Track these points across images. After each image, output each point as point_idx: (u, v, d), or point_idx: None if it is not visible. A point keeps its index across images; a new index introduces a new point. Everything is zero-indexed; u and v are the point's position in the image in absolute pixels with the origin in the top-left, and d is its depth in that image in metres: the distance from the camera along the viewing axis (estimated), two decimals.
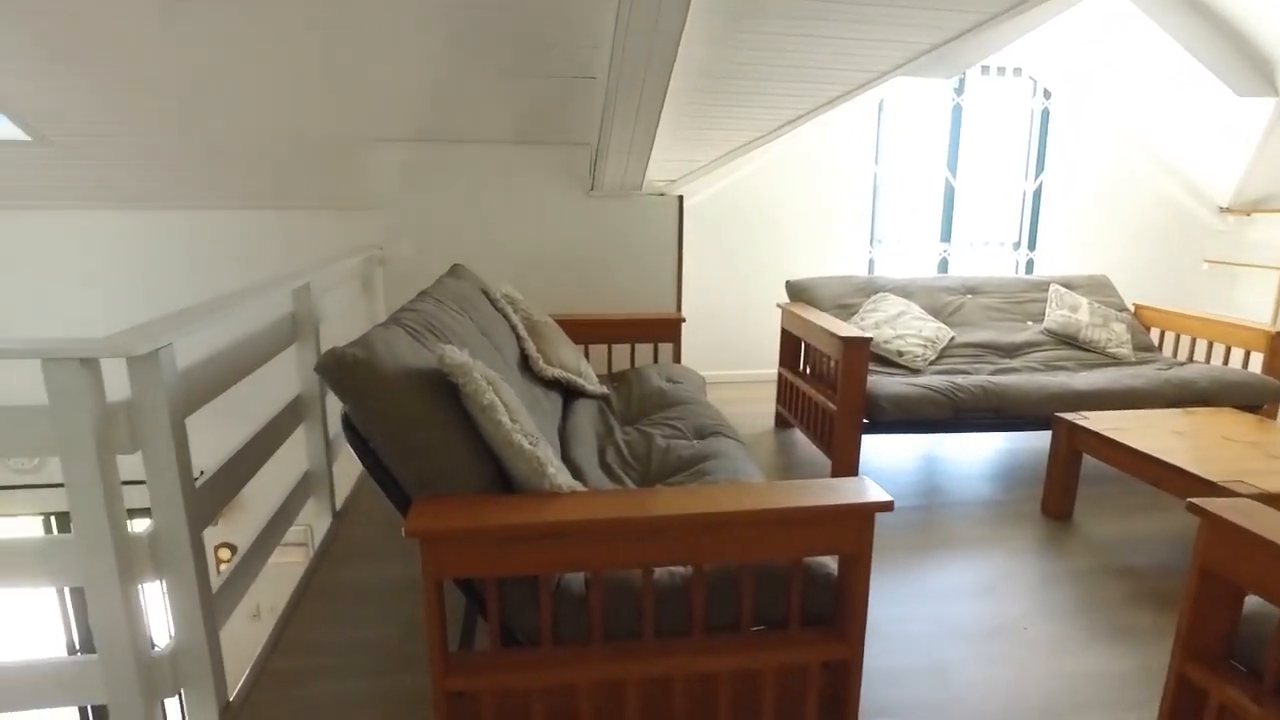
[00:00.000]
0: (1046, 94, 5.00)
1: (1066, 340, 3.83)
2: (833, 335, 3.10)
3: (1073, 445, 2.84)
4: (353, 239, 3.90)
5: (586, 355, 3.02)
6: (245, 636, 2.52)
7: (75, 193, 3.90)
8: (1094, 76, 4.79)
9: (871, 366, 3.45)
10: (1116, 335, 3.80)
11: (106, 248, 4.07)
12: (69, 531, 1.70)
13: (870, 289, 3.97)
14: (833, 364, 3.18)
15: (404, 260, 3.77)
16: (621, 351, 3.47)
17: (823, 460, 3.45)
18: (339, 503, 2.88)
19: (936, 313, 3.94)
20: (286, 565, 3.48)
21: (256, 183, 3.91)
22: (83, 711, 4.56)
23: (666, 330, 3.39)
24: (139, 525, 1.73)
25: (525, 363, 2.56)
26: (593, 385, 2.76)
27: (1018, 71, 4.94)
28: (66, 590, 4.30)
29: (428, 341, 1.81)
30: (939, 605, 2.33)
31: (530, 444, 1.51)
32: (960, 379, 3.30)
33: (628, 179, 3.71)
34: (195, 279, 4.08)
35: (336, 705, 1.88)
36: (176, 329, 1.74)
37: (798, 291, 3.89)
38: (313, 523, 2.82)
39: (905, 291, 3.99)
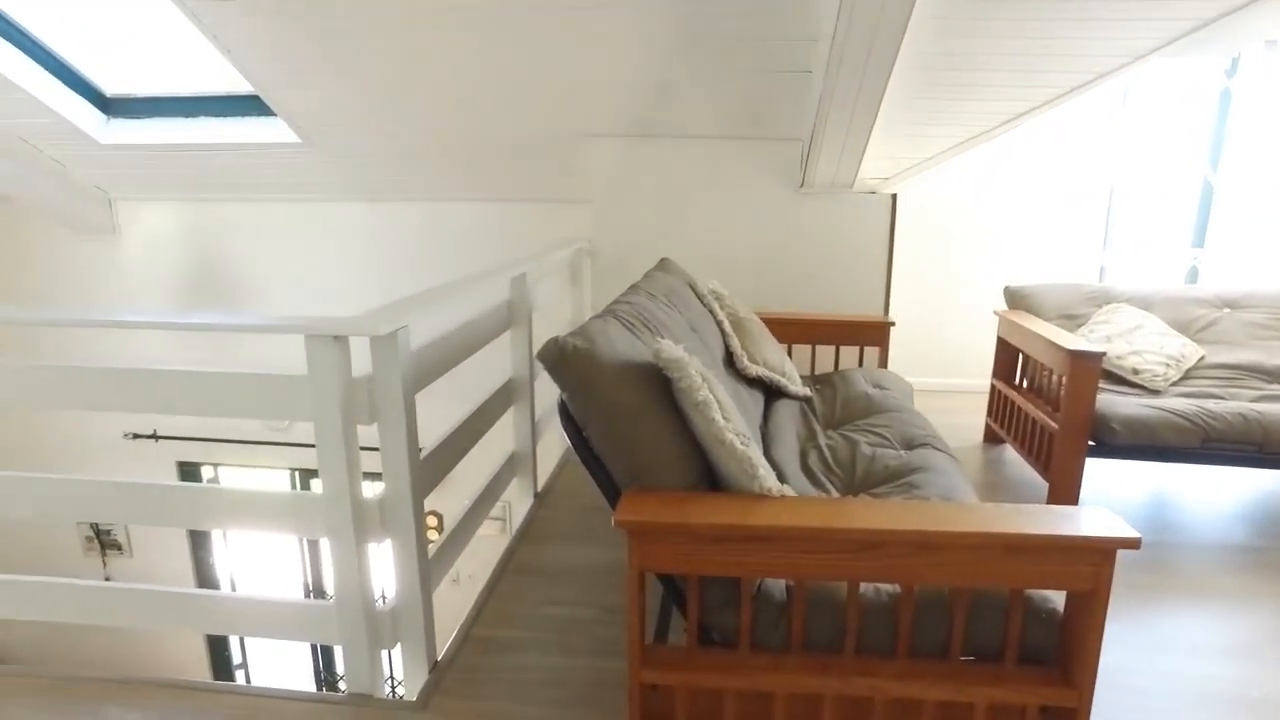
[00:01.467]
0: None
1: None
2: (1058, 347, 2.83)
3: None
4: (564, 231, 4.07)
5: (789, 355, 2.96)
6: (447, 600, 2.71)
7: (331, 187, 4.37)
8: None
9: (1100, 384, 3.12)
10: None
11: (352, 235, 4.53)
12: (308, 487, 1.90)
13: (1102, 298, 3.59)
14: (1056, 379, 2.91)
15: (612, 253, 3.89)
16: (825, 353, 3.37)
17: (1036, 481, 3.16)
18: (540, 484, 3.02)
19: (1183, 328, 3.49)
20: (483, 538, 3.70)
21: (480, 177, 4.18)
22: (313, 648, 5.14)
23: (874, 334, 3.25)
24: (369, 490, 1.89)
25: (729, 359, 2.54)
26: (795, 386, 2.70)
27: None
28: (305, 539, 4.86)
29: (641, 334, 1.84)
30: (1182, 661, 2.06)
31: (741, 444, 1.49)
32: (1211, 404, 2.90)
33: (839, 176, 3.59)
34: (421, 265, 4.45)
35: (531, 678, 1.97)
36: (412, 312, 1.88)
37: (1018, 299, 3.59)
38: (512, 500, 2.98)
39: (1145, 302, 3.56)
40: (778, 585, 1.59)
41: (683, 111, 3.61)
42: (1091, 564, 1.42)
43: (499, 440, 2.77)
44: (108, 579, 4.89)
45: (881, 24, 2.60)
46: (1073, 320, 3.51)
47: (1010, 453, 3.51)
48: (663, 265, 2.74)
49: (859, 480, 2.15)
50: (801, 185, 3.73)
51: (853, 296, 3.78)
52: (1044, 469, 2.94)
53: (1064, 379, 2.79)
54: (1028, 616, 1.50)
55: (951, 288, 4.37)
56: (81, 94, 3.86)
